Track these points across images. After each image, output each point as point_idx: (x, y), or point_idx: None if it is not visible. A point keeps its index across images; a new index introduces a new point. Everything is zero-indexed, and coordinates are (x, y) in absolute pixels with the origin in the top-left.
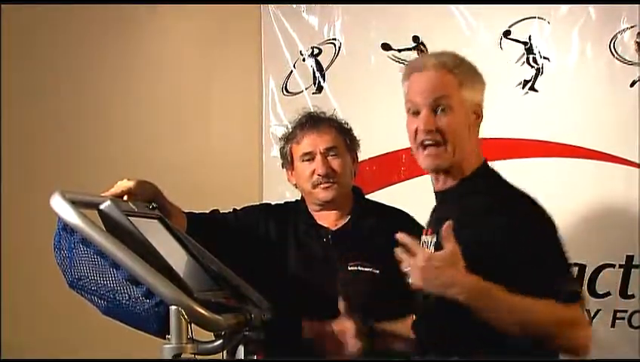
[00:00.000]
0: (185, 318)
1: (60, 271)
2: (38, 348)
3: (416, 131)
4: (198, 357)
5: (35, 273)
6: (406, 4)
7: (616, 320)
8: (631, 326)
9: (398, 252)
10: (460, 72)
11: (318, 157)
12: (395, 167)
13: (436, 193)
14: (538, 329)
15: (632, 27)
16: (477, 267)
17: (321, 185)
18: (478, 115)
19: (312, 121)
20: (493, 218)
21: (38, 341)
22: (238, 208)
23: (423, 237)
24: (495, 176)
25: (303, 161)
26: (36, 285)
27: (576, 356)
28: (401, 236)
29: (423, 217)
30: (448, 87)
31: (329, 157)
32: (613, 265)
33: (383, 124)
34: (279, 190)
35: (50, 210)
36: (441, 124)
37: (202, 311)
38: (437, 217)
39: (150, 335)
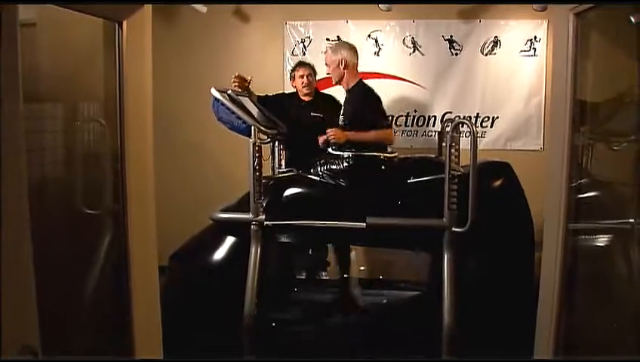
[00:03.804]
0: (257, 130)
1: None
2: None
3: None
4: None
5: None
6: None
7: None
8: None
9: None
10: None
11: (305, 78)
12: (328, 81)
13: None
14: (374, 140)
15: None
16: (352, 117)
17: (305, 88)
18: (348, 65)
19: (303, 64)
20: (358, 94)
21: None
22: (276, 93)
23: (342, 117)
24: (362, 85)
25: (299, 77)
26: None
27: (386, 143)
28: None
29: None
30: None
31: (309, 77)
32: (406, 115)
33: (323, 67)
34: (289, 88)
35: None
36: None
37: (262, 128)
38: (345, 104)
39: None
